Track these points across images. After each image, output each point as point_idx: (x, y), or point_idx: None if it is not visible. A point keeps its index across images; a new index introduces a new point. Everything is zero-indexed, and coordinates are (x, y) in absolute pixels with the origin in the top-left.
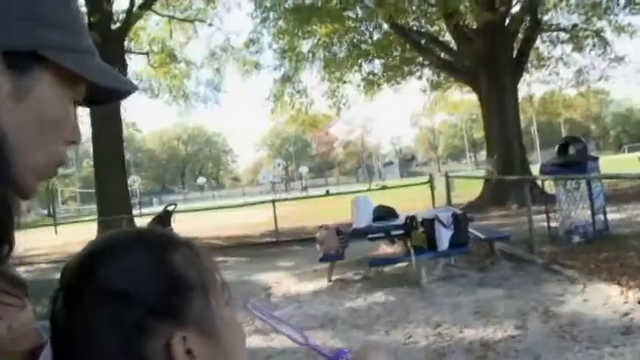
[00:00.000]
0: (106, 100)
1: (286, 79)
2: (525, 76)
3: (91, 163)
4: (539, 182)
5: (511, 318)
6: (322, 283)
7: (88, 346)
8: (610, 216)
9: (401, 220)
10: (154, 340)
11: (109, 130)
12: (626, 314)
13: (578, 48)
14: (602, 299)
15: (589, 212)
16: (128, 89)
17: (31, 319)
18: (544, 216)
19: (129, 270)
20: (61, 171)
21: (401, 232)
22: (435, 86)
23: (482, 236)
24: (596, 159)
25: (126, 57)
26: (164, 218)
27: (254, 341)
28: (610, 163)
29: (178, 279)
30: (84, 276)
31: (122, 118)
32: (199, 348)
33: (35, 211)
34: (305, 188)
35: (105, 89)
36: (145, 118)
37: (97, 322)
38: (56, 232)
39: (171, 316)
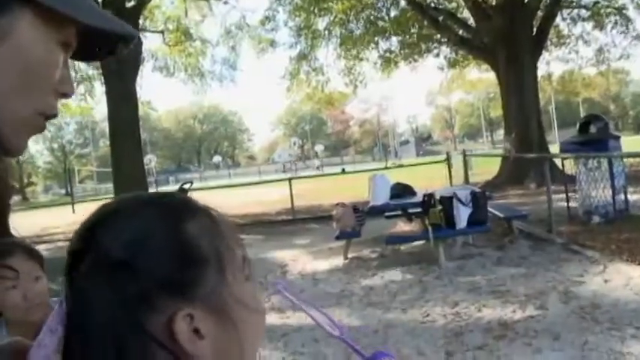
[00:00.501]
0: (106, 48)
1: (302, 56)
2: (544, 55)
3: (108, 142)
4: (558, 162)
5: (530, 298)
6: (338, 260)
7: (87, 318)
8: (631, 197)
9: (419, 198)
10: (156, 316)
11: (124, 108)
12: None
13: (599, 26)
14: (623, 280)
15: (610, 192)
16: (128, 32)
17: (46, 291)
18: (563, 195)
19: (134, 236)
20: (78, 150)
21: (418, 209)
22: (452, 64)
23: (500, 215)
24: (617, 137)
25: (141, 35)
26: None
27: (270, 318)
28: (630, 143)
29: (190, 249)
30: (86, 242)
31: (138, 96)
32: (208, 327)
33: (53, 190)
34: (318, 168)
35: (101, 33)
36: (161, 96)
37: (96, 293)
38: (74, 210)
39: (177, 291)
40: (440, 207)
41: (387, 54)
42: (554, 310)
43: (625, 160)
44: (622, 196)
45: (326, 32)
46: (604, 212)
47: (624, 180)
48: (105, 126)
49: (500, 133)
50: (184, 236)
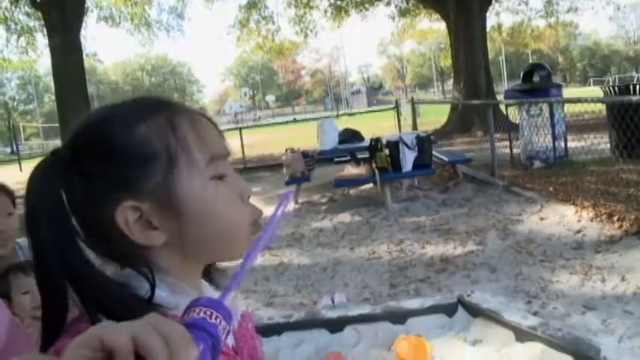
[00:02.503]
0: None
1: (252, 5)
2: (495, 5)
3: (53, 97)
4: (503, 109)
5: (470, 235)
6: (289, 205)
7: (41, 211)
8: (571, 144)
9: (366, 143)
10: (101, 208)
11: (69, 62)
12: (578, 231)
13: None
14: (557, 218)
15: (550, 138)
16: None
17: (17, 227)
18: (508, 142)
19: (88, 137)
20: (21, 107)
21: (366, 154)
22: (403, 13)
23: (446, 159)
24: (559, 86)
25: None
26: None
27: None
28: (576, 94)
29: (139, 148)
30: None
31: (83, 48)
32: (159, 220)
33: None
34: (255, 120)
35: None
36: (107, 48)
37: (47, 182)
38: (21, 169)
39: (123, 185)
40: (386, 151)
41: (338, 2)
42: (493, 245)
43: (566, 109)
44: (562, 143)
45: None
46: (544, 158)
47: (564, 127)
48: (49, 80)
49: (451, 84)
50: (136, 135)
